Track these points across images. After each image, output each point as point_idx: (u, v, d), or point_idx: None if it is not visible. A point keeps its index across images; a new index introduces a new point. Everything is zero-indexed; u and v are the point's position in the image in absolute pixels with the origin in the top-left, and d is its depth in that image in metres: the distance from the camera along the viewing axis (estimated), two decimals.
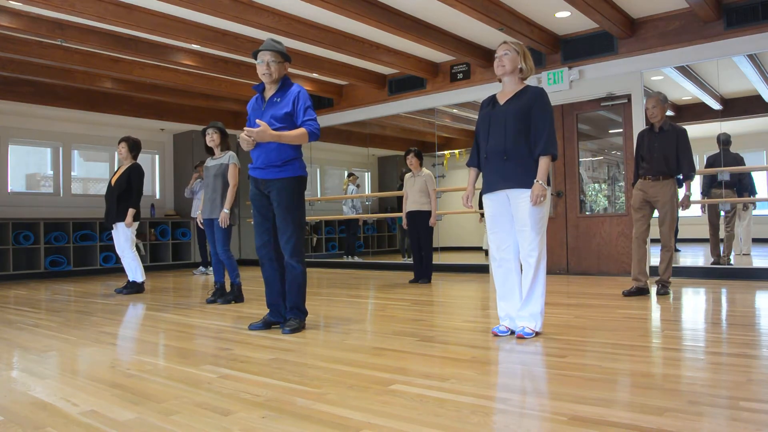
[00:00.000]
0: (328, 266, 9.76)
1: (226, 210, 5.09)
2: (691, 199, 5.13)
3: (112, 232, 6.08)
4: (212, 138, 5.23)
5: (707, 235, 6.90)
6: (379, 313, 4.49)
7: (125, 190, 5.91)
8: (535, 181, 3.14)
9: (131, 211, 5.89)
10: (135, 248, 6.08)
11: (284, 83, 3.67)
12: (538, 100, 3.19)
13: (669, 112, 8.02)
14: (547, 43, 6.79)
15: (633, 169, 5.11)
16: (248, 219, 10.28)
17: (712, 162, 6.77)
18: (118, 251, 6.11)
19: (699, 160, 7.18)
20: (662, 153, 4.78)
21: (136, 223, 6.02)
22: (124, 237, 5.98)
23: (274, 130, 3.53)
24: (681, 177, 4.83)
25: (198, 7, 5.34)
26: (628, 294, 4.83)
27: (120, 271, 9.06)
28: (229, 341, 3.39)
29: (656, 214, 4.91)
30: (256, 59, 3.64)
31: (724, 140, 6.67)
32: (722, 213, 6.71)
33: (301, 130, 3.52)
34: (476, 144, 3.42)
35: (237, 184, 5.21)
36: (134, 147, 6.07)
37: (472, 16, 5.72)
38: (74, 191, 9.65)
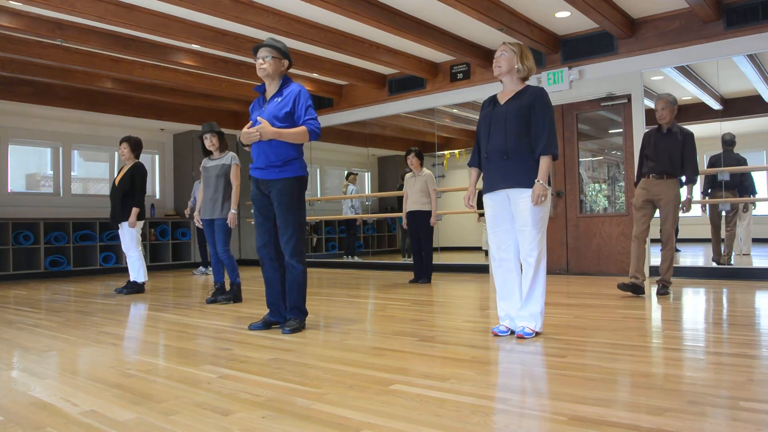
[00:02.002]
0: (328, 266, 9.76)
1: (233, 210, 5.09)
2: (693, 199, 5.13)
3: (119, 231, 6.10)
4: (212, 142, 5.23)
5: (707, 235, 6.90)
6: (379, 313, 4.49)
7: (129, 190, 5.92)
8: (536, 180, 3.14)
9: (135, 211, 5.90)
10: (140, 248, 6.10)
11: (284, 82, 3.67)
12: (538, 100, 3.20)
13: None
14: (547, 43, 6.79)
15: (635, 169, 5.12)
16: (248, 219, 10.29)
17: (714, 162, 6.77)
18: (124, 250, 6.13)
19: (700, 160, 7.18)
20: (668, 154, 4.79)
21: (141, 223, 6.03)
22: (129, 236, 6.00)
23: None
24: (684, 179, 4.84)
25: (198, 7, 5.34)
26: (623, 288, 4.76)
27: (120, 271, 9.08)
28: (229, 341, 3.39)
29: (658, 213, 4.91)
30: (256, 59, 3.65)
31: (728, 141, 6.66)
32: (723, 213, 6.71)
33: (302, 128, 3.53)
34: (477, 144, 3.42)
35: (240, 183, 5.22)
36: (136, 146, 6.08)
37: (472, 16, 5.72)
38: (74, 191, 9.65)
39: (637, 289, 4.77)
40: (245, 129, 3.53)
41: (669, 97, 4.85)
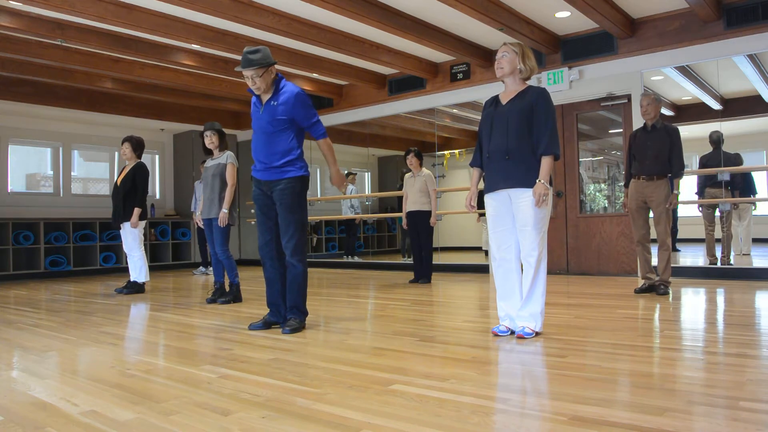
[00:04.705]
0: (328, 266, 9.76)
1: (224, 210, 5.09)
2: (690, 198, 5.15)
3: (120, 231, 6.10)
4: (211, 140, 5.22)
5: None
6: (379, 313, 4.49)
7: (130, 189, 5.92)
8: (537, 180, 3.14)
9: (137, 211, 5.90)
10: (143, 248, 6.10)
11: (278, 85, 3.63)
12: (540, 100, 3.20)
13: (669, 112, 8.02)
14: (547, 43, 6.79)
15: (625, 169, 5.14)
16: (248, 219, 10.29)
17: (705, 162, 6.77)
18: (126, 250, 6.14)
19: (698, 160, 7.19)
20: (655, 152, 4.81)
21: (143, 223, 6.03)
22: (131, 237, 6.00)
23: (270, 133, 3.58)
24: (671, 175, 4.86)
25: (198, 7, 5.34)
26: (641, 291, 4.95)
27: (120, 271, 9.08)
28: (229, 341, 3.39)
29: (651, 213, 4.93)
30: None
31: (715, 139, 6.67)
32: (717, 213, 6.71)
33: (328, 145, 3.78)
34: (479, 144, 3.43)
35: (235, 183, 5.21)
36: (138, 146, 6.08)
37: (472, 16, 5.72)
38: (74, 191, 9.65)
39: (652, 288, 4.90)
40: (338, 183, 3.88)
41: (654, 94, 4.92)
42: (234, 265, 5.20)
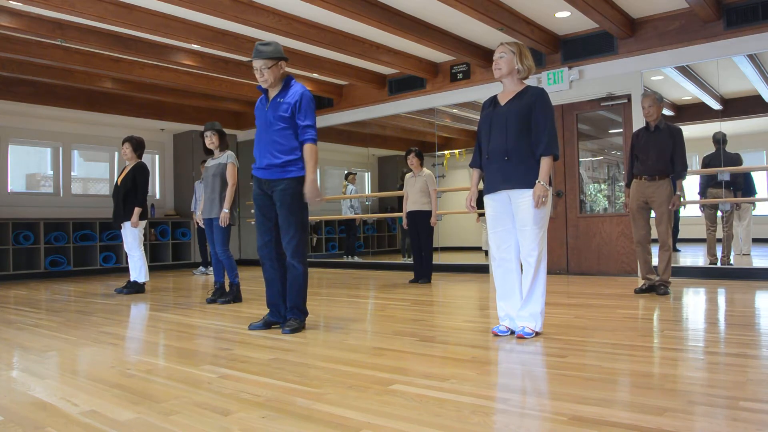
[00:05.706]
0: (328, 266, 9.76)
1: (225, 210, 5.09)
2: (691, 198, 5.15)
3: (121, 231, 6.11)
4: (212, 140, 5.22)
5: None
6: (379, 313, 4.49)
7: (131, 189, 5.92)
8: (536, 181, 3.14)
9: (137, 210, 5.90)
10: (142, 248, 6.10)
11: (287, 83, 3.65)
12: (539, 101, 3.20)
13: (669, 112, 8.02)
14: (547, 43, 6.79)
15: (627, 169, 5.14)
16: (248, 219, 10.29)
17: (708, 161, 6.77)
18: (126, 250, 6.15)
19: (698, 161, 7.19)
20: (658, 152, 4.81)
21: (144, 222, 6.03)
22: (131, 236, 6.00)
23: (276, 130, 3.57)
24: (673, 176, 4.86)
25: (198, 7, 5.34)
26: (640, 291, 4.95)
27: (120, 271, 9.08)
28: (229, 341, 3.39)
29: (653, 213, 4.93)
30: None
31: (718, 139, 6.67)
32: (719, 213, 6.71)
33: (308, 151, 3.52)
34: (478, 145, 3.42)
35: (236, 183, 5.21)
36: (138, 146, 6.08)
37: (472, 16, 5.72)
38: (74, 191, 9.65)
39: (652, 289, 4.90)
40: (311, 196, 3.54)
41: (655, 95, 4.92)
42: (234, 265, 5.21)
